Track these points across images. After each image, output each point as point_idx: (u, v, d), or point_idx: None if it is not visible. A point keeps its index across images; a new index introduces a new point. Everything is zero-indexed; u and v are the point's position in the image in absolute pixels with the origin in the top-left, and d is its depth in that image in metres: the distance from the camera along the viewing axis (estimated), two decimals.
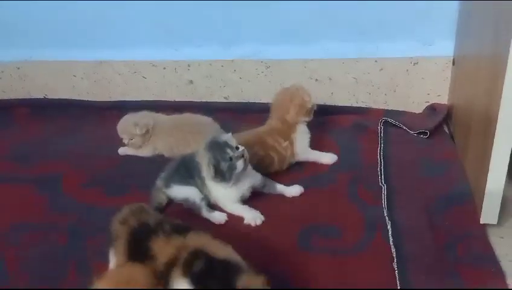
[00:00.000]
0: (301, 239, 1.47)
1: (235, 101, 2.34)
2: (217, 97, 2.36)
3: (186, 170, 1.64)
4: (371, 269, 1.33)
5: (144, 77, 2.41)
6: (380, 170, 1.74)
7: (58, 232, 1.59)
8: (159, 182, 1.68)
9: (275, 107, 1.86)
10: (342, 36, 2.16)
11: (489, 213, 1.45)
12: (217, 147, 1.54)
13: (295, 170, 1.81)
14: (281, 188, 1.67)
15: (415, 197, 1.58)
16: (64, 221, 1.64)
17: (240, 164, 1.54)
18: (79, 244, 1.53)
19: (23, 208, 1.73)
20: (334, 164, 1.82)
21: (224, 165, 1.53)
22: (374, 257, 1.37)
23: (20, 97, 2.60)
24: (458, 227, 1.45)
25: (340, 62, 2.16)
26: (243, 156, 1.54)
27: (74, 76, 2.49)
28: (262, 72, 2.25)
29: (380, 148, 1.87)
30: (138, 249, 1.26)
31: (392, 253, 1.36)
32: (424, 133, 1.92)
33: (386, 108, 2.18)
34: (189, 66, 2.33)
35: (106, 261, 1.38)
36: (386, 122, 2.01)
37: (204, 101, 2.37)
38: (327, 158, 1.85)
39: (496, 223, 1.45)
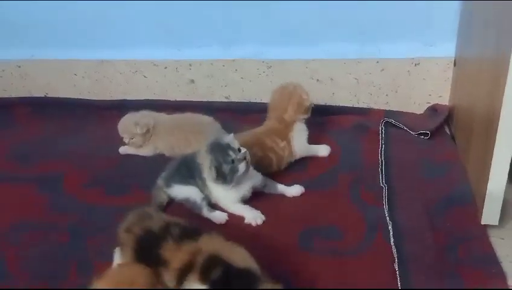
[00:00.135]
0: (302, 239, 1.47)
1: (236, 101, 2.34)
2: (218, 97, 2.36)
3: (187, 170, 1.64)
4: (371, 270, 1.33)
5: (145, 76, 2.41)
6: (381, 170, 1.74)
7: (58, 232, 1.59)
8: (160, 182, 1.68)
9: (273, 106, 1.86)
10: (344, 37, 2.15)
11: (490, 214, 1.45)
12: (219, 149, 1.54)
13: (296, 170, 1.81)
14: (281, 188, 1.67)
15: (416, 198, 1.58)
16: (65, 220, 1.63)
17: (241, 166, 1.54)
18: (80, 243, 1.53)
19: (24, 208, 1.73)
20: (335, 165, 1.82)
21: (226, 168, 1.53)
22: (374, 258, 1.37)
23: (21, 96, 2.60)
24: (459, 228, 1.45)
25: (341, 62, 2.16)
26: (245, 158, 1.54)
27: (75, 75, 2.49)
28: (263, 72, 2.25)
29: (381, 148, 1.86)
30: (147, 256, 1.25)
31: (393, 254, 1.36)
32: (425, 134, 1.92)
33: (387, 109, 2.18)
34: (190, 65, 2.33)
35: (107, 261, 1.38)
36: (387, 123, 2.01)
37: (206, 100, 2.37)
38: (323, 151, 1.87)
39: (497, 224, 1.45)
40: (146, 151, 1.99)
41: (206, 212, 1.59)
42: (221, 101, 2.35)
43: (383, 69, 2.13)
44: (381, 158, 1.80)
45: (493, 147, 1.36)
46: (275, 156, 1.78)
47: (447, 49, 2.06)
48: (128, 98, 2.45)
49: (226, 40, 2.28)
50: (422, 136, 1.93)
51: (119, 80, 2.44)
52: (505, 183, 1.39)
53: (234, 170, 1.53)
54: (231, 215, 1.60)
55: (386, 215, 1.51)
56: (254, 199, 1.64)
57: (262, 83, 2.25)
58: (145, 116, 1.99)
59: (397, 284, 1.27)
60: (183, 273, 1.19)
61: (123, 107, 2.29)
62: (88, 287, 1.16)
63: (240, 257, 1.20)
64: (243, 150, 1.55)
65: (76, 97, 2.52)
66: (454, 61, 2.04)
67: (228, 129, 1.88)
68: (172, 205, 1.67)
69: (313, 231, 1.50)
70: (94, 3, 2.27)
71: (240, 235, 1.40)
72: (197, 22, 2.25)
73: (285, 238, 1.48)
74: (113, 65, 2.42)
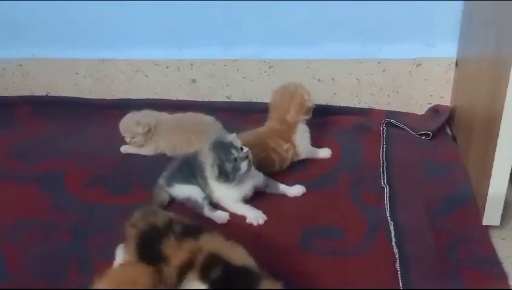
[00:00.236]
0: (303, 239, 1.47)
1: (238, 100, 2.34)
2: (220, 96, 2.36)
3: (189, 169, 1.64)
4: (373, 270, 1.33)
5: (146, 76, 2.41)
6: (383, 171, 1.74)
7: (59, 231, 1.59)
8: (162, 181, 1.68)
9: (274, 106, 1.86)
10: (345, 37, 2.15)
11: (491, 215, 1.45)
12: (221, 148, 1.54)
13: (297, 170, 1.81)
14: (283, 188, 1.67)
15: (417, 199, 1.58)
16: (66, 220, 1.64)
17: (244, 165, 1.54)
18: (81, 243, 1.53)
19: (25, 207, 1.73)
20: (336, 165, 1.82)
21: (228, 166, 1.53)
22: (376, 258, 1.37)
23: (22, 95, 2.60)
24: (460, 229, 1.45)
25: (343, 63, 2.16)
26: (247, 157, 1.54)
27: (77, 74, 2.49)
28: (265, 71, 2.25)
29: (383, 149, 1.87)
30: (148, 252, 1.26)
31: (394, 254, 1.36)
32: (427, 135, 1.92)
33: (388, 109, 2.18)
34: (192, 65, 2.33)
35: (108, 260, 1.39)
36: (388, 124, 2.01)
37: (207, 100, 2.37)
38: (324, 153, 1.88)
39: (498, 225, 1.46)
40: (147, 150, 2.00)
41: (208, 212, 1.59)
42: (223, 101, 2.35)
43: (384, 70, 2.13)
44: (382, 158, 1.81)
45: (495, 148, 1.36)
46: (277, 156, 1.78)
47: (448, 49, 2.05)
48: (129, 98, 2.45)
49: (227, 40, 2.28)
50: (423, 137, 1.93)
51: (120, 79, 2.44)
52: (506, 184, 1.40)
53: (236, 169, 1.53)
54: (233, 215, 1.60)
55: (388, 215, 1.51)
56: (255, 198, 1.64)
57: (264, 82, 2.25)
58: (147, 116, 1.99)
59: (398, 284, 1.27)
60: (182, 271, 1.19)
61: (124, 106, 2.28)
62: (89, 286, 1.16)
63: (239, 255, 1.20)
64: (245, 148, 1.56)
65: (77, 96, 2.52)
66: (456, 62, 2.04)
67: (229, 129, 1.88)
68: (173, 205, 1.67)
69: (314, 231, 1.50)
70: (96, 3, 2.27)
71: (241, 235, 1.40)
72: (198, 21, 2.25)
73: (286, 238, 1.48)
74: (114, 64, 2.42)
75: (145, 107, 2.08)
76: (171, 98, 2.41)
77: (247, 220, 1.56)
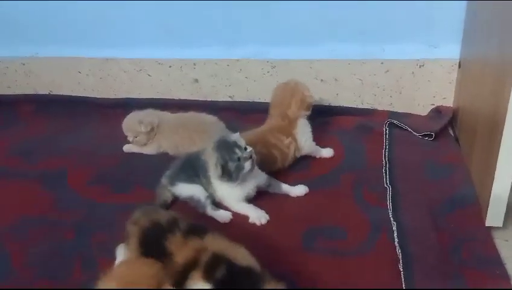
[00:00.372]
0: (306, 239, 1.47)
1: (240, 100, 2.34)
2: (222, 96, 2.37)
3: (192, 168, 1.64)
4: (375, 270, 1.33)
5: (149, 75, 2.41)
6: (385, 171, 1.74)
7: (63, 229, 1.59)
8: (164, 180, 1.69)
9: (275, 103, 1.87)
10: (348, 37, 2.15)
11: (494, 216, 1.45)
12: (225, 147, 1.54)
13: (300, 170, 1.82)
14: (286, 187, 1.67)
15: (419, 199, 1.58)
16: (70, 217, 1.64)
17: (247, 164, 1.54)
18: (84, 240, 1.53)
19: (28, 204, 1.74)
20: (339, 165, 1.82)
21: (232, 165, 1.53)
22: (378, 258, 1.37)
23: (25, 93, 2.60)
24: (463, 229, 1.45)
25: (346, 63, 2.16)
26: (251, 157, 1.55)
27: (79, 73, 2.50)
28: (267, 71, 2.25)
29: (385, 149, 1.86)
30: (152, 248, 1.26)
31: (397, 254, 1.36)
32: (429, 136, 1.92)
33: (391, 110, 2.18)
34: (194, 64, 2.33)
35: (111, 258, 1.39)
36: (391, 124, 2.01)
37: (210, 100, 2.37)
38: (327, 152, 1.88)
39: (501, 226, 1.46)
40: (150, 149, 2.00)
41: (210, 211, 1.60)
42: (225, 101, 2.36)
43: (387, 70, 2.13)
44: (385, 159, 1.80)
45: (498, 149, 1.36)
46: (279, 153, 1.78)
47: (451, 50, 2.05)
48: (132, 97, 2.45)
49: (230, 40, 2.28)
50: (426, 138, 1.93)
51: (123, 78, 2.45)
52: (509, 186, 1.40)
53: (240, 168, 1.54)
54: (235, 215, 1.60)
55: (390, 215, 1.51)
56: (258, 198, 1.64)
57: (267, 82, 2.25)
58: (150, 115, 2.00)
59: (401, 284, 1.27)
60: (186, 270, 1.20)
61: (127, 105, 2.29)
62: (94, 284, 1.15)
63: (242, 256, 1.20)
64: (249, 148, 1.56)
65: (80, 95, 2.53)
66: (459, 63, 2.04)
67: (232, 128, 1.89)
68: (176, 204, 1.67)
69: (316, 231, 1.50)
70: (99, 2, 2.28)
71: (243, 235, 1.41)
72: (202, 21, 2.25)
73: (288, 238, 1.48)
74: (117, 63, 2.42)
75: (148, 107, 2.09)
76: (173, 98, 2.41)
77: (250, 220, 1.56)
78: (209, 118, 1.98)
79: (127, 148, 2.03)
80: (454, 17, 2.01)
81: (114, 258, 1.39)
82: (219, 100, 2.36)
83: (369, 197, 1.63)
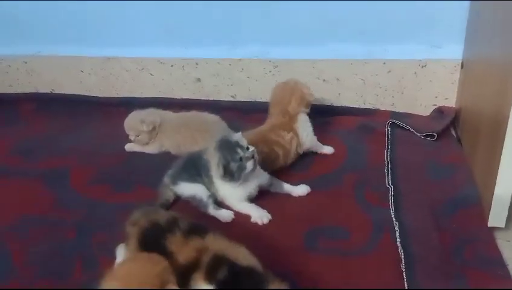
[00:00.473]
0: (308, 239, 1.47)
1: (242, 100, 2.34)
2: (224, 96, 2.36)
3: (194, 168, 1.64)
4: (378, 271, 1.33)
5: (151, 74, 2.41)
6: (387, 171, 1.73)
7: (64, 228, 1.59)
8: (166, 179, 1.69)
9: (275, 101, 1.89)
10: (350, 37, 2.15)
11: (496, 216, 1.45)
12: (227, 147, 1.54)
13: (302, 170, 1.81)
14: (288, 187, 1.67)
15: (422, 200, 1.58)
16: (71, 217, 1.64)
17: (249, 164, 1.54)
18: (85, 240, 1.53)
19: (29, 203, 1.73)
20: (341, 165, 1.82)
21: (234, 165, 1.53)
22: (381, 259, 1.37)
23: (27, 92, 2.60)
24: (465, 230, 1.45)
25: (348, 63, 2.16)
26: (253, 156, 1.54)
27: (81, 72, 2.50)
28: (270, 71, 2.25)
29: (387, 150, 1.86)
30: (152, 248, 1.25)
31: (399, 254, 1.35)
32: (432, 136, 1.92)
33: (393, 110, 2.18)
34: (197, 64, 2.33)
35: (112, 257, 1.39)
36: (393, 124, 2.01)
37: (212, 99, 2.37)
38: (328, 149, 1.90)
39: (503, 226, 1.45)
40: (152, 148, 2.00)
41: (212, 210, 1.59)
42: (227, 100, 2.35)
43: (389, 71, 2.13)
44: (387, 159, 1.80)
45: (501, 150, 1.36)
46: (281, 149, 1.78)
47: (454, 51, 2.05)
48: (134, 96, 2.45)
49: (232, 39, 2.28)
50: (428, 138, 1.92)
51: (125, 77, 2.45)
52: None
53: (242, 168, 1.54)
54: (237, 214, 1.60)
55: (392, 216, 1.51)
56: (260, 197, 1.64)
57: (269, 82, 2.24)
58: (152, 114, 2.00)
59: (404, 284, 1.27)
60: (188, 271, 1.19)
61: (129, 104, 2.30)
62: (97, 283, 1.15)
63: (244, 256, 1.20)
64: (251, 148, 1.56)
65: (82, 94, 2.53)
66: (462, 63, 2.03)
67: (234, 128, 1.89)
68: (178, 203, 1.67)
69: (318, 231, 1.50)
70: (101, 1, 2.28)
71: (245, 234, 1.41)
72: (204, 20, 2.25)
73: (290, 237, 1.48)
74: (119, 62, 2.42)
75: (150, 106, 2.09)
76: (175, 97, 2.41)
77: (252, 219, 1.56)
78: (211, 118, 1.98)
79: (128, 147, 2.03)
80: (457, 17, 2.01)
81: (115, 258, 1.39)
82: (221, 100, 2.36)
83: (371, 197, 1.63)
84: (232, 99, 2.36)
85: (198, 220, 1.38)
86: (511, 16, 1.39)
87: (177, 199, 1.67)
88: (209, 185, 1.62)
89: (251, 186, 1.60)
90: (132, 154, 2.01)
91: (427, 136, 1.93)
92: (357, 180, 1.72)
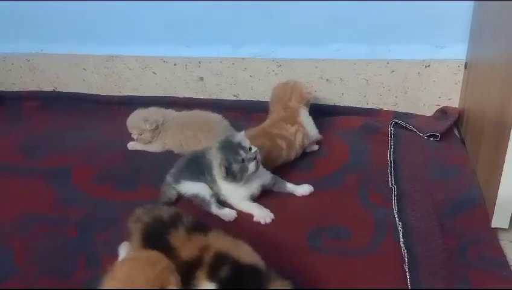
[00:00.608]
0: (310, 239, 1.47)
1: (245, 99, 2.34)
2: (227, 95, 2.36)
3: (197, 166, 1.64)
4: (381, 271, 1.33)
5: (154, 73, 2.41)
6: (390, 171, 1.73)
7: (67, 225, 1.59)
8: (169, 178, 1.68)
9: (276, 99, 1.92)
10: (354, 37, 2.14)
11: (500, 218, 1.44)
12: (229, 148, 1.54)
13: (305, 170, 1.81)
14: (291, 187, 1.67)
15: (425, 200, 1.58)
16: (73, 214, 1.64)
17: (251, 166, 1.54)
18: (88, 238, 1.53)
19: (32, 201, 1.74)
20: (344, 165, 1.81)
21: (236, 167, 1.53)
22: (384, 259, 1.37)
23: (29, 89, 2.60)
24: (469, 231, 1.44)
25: (351, 63, 2.15)
26: (255, 157, 1.54)
27: (84, 70, 2.49)
28: (273, 70, 2.25)
29: (390, 150, 1.86)
30: (155, 243, 1.25)
31: (402, 255, 1.35)
32: (435, 136, 1.91)
33: (396, 110, 2.17)
34: (199, 63, 2.33)
35: (115, 255, 1.39)
36: (396, 124, 2.00)
37: (214, 98, 2.37)
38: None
39: (507, 227, 1.45)
40: (154, 147, 2.00)
41: (215, 209, 1.59)
42: (230, 99, 2.35)
43: (392, 71, 2.12)
44: (390, 159, 1.80)
45: (505, 151, 1.35)
46: (284, 142, 1.78)
47: (457, 51, 2.04)
48: (137, 94, 2.45)
49: (235, 38, 2.27)
50: (431, 139, 1.92)
51: (128, 75, 2.44)
52: None
53: (244, 169, 1.53)
54: (240, 213, 1.60)
55: (396, 216, 1.51)
56: (263, 197, 1.64)
57: (272, 81, 2.23)
58: (155, 113, 2.00)
59: (407, 285, 1.27)
60: (191, 269, 1.19)
61: (132, 103, 2.30)
62: (98, 281, 1.15)
63: (247, 254, 1.20)
64: (254, 148, 1.55)
65: (85, 92, 2.53)
66: (465, 63, 2.03)
67: (237, 127, 1.89)
68: (181, 202, 1.67)
69: (321, 231, 1.50)
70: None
71: (248, 233, 1.40)
72: (207, 19, 2.25)
73: (293, 237, 1.48)
74: (122, 61, 2.42)
75: (153, 104, 2.09)
76: (178, 96, 2.41)
77: (255, 219, 1.56)
78: (214, 117, 1.98)
79: (131, 145, 2.03)
80: (461, 17, 2.00)
81: (117, 256, 1.39)
82: (224, 99, 2.36)
83: (374, 198, 1.62)
84: (234, 98, 2.35)
85: (201, 219, 1.37)
86: None
87: (180, 197, 1.67)
88: (211, 184, 1.62)
89: (254, 186, 1.60)
90: (135, 153, 2.01)
91: (430, 136, 1.92)
92: (360, 180, 1.71)
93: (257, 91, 2.31)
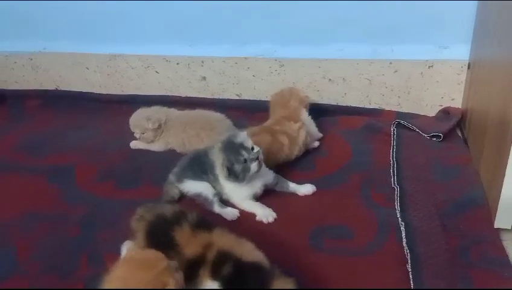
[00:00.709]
0: (313, 238, 1.47)
1: (248, 98, 2.34)
2: (230, 94, 2.36)
3: (199, 165, 1.64)
4: (384, 271, 1.33)
5: (156, 72, 2.41)
6: (393, 172, 1.73)
7: (69, 224, 1.60)
8: (172, 177, 1.69)
9: (275, 102, 1.95)
10: (357, 37, 2.14)
11: (503, 218, 1.44)
12: (231, 148, 1.54)
13: (307, 170, 1.81)
14: (293, 186, 1.67)
15: (427, 200, 1.57)
16: (76, 213, 1.64)
17: (254, 166, 1.54)
18: (90, 236, 1.53)
19: (35, 199, 1.74)
20: (346, 165, 1.81)
21: (238, 167, 1.53)
22: (386, 259, 1.36)
23: (32, 88, 2.61)
24: (471, 231, 1.44)
25: (354, 63, 2.15)
26: (257, 158, 1.54)
27: (87, 68, 2.50)
28: (275, 70, 2.25)
29: (393, 150, 1.86)
30: (159, 240, 1.25)
31: (405, 255, 1.35)
32: (437, 137, 1.91)
33: (399, 110, 2.17)
34: (202, 62, 2.33)
35: (118, 253, 1.39)
36: (398, 125, 2.00)
37: (217, 97, 2.37)
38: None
39: (509, 227, 1.45)
40: (157, 146, 2.00)
41: (218, 208, 1.59)
42: (233, 99, 2.35)
43: (395, 71, 2.12)
44: (392, 159, 1.80)
45: (508, 151, 1.35)
46: (286, 138, 1.79)
47: (461, 51, 2.04)
48: (139, 93, 2.45)
49: (238, 38, 2.27)
50: (434, 139, 1.91)
51: (131, 74, 2.45)
52: None
53: (246, 169, 1.53)
54: (242, 212, 1.60)
55: (398, 216, 1.51)
56: (265, 196, 1.64)
57: (274, 81, 2.24)
58: (157, 112, 2.00)
59: (410, 285, 1.26)
60: (194, 267, 1.19)
61: (134, 102, 2.30)
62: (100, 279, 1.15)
63: (250, 252, 1.20)
64: (256, 148, 1.55)
65: (87, 91, 2.53)
66: (468, 64, 2.03)
67: (239, 127, 1.89)
68: (183, 201, 1.67)
69: (323, 230, 1.49)
70: None
71: (250, 233, 1.40)
72: (210, 19, 2.25)
73: (295, 236, 1.48)
74: (125, 60, 2.42)
75: (155, 103, 2.09)
76: (180, 95, 2.41)
77: (257, 218, 1.56)
78: (217, 116, 1.98)
79: (134, 144, 2.03)
80: (464, 17, 2.00)
81: (120, 254, 1.39)
82: (226, 98, 2.36)
83: (377, 198, 1.62)
84: (237, 97, 2.36)
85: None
86: None
87: (183, 196, 1.67)
88: (214, 183, 1.62)
89: (256, 186, 1.60)
90: (137, 152, 2.01)
91: (433, 136, 1.92)
92: (362, 180, 1.71)
93: (260, 91, 2.31)
